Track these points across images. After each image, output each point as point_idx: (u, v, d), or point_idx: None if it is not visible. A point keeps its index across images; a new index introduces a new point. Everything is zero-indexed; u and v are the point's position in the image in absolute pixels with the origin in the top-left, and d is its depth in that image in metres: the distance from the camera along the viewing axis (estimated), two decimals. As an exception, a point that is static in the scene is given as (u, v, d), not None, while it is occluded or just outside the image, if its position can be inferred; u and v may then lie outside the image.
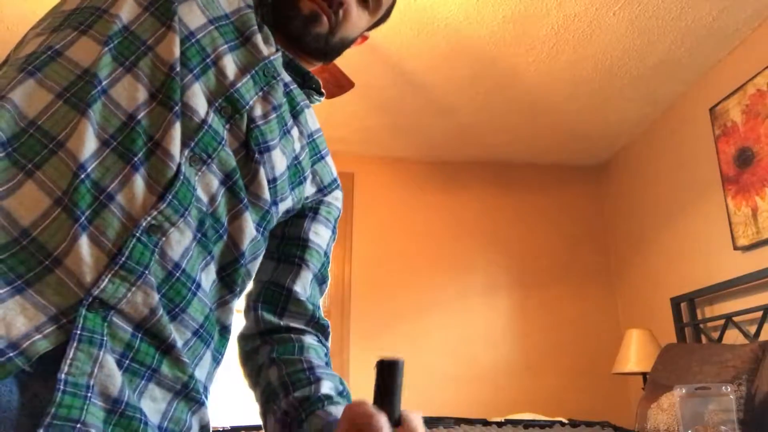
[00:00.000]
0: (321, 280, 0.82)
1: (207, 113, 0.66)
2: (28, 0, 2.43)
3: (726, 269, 2.75)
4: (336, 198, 0.86)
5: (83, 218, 0.55)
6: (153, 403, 0.59)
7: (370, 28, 0.92)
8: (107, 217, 0.56)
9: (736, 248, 2.66)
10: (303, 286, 0.79)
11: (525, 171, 3.97)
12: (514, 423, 2.44)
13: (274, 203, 0.74)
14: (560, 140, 3.67)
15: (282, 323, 0.78)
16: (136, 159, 0.59)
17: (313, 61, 0.87)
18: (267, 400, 0.74)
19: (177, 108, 0.63)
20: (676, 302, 3.02)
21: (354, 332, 3.45)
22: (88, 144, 0.58)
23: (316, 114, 3.69)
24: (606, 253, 3.88)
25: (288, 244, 0.81)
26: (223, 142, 0.67)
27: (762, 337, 2.44)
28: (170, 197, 0.60)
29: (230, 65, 0.70)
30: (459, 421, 2.44)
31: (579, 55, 2.80)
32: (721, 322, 2.73)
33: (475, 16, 2.52)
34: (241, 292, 0.73)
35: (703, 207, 2.95)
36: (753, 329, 2.51)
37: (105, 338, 0.55)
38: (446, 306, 3.58)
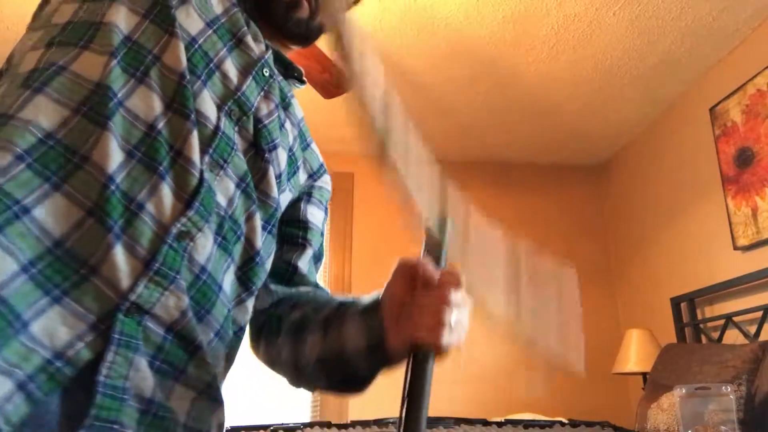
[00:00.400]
0: (318, 257, 0.88)
1: (218, 118, 0.68)
2: (28, 0, 2.43)
3: (726, 269, 2.75)
4: (325, 182, 0.91)
5: (116, 227, 0.57)
6: (179, 402, 0.61)
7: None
8: (139, 225, 0.58)
9: (736, 248, 2.66)
10: (305, 263, 0.85)
11: (525, 171, 3.97)
12: (514, 423, 2.44)
13: (279, 198, 0.77)
14: (560, 140, 3.67)
15: (293, 290, 0.84)
16: (161, 168, 0.61)
17: (294, 45, 0.88)
18: (296, 330, 0.78)
19: (192, 116, 0.64)
20: (676, 302, 3.02)
21: (354, 332, 3.45)
22: (114, 156, 0.58)
23: (317, 114, 3.68)
24: (606, 253, 3.88)
25: (290, 226, 0.84)
26: (235, 147, 0.69)
27: (762, 337, 2.44)
28: (197, 204, 0.62)
29: (231, 68, 0.71)
30: (459, 421, 2.44)
31: (579, 55, 2.80)
32: (721, 322, 2.73)
33: (475, 16, 2.52)
34: (256, 290, 0.75)
35: (703, 207, 2.95)
36: (753, 329, 2.51)
37: (140, 342, 0.57)
38: (446, 306, 3.57)
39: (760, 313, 2.48)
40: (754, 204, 2.56)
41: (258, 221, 0.72)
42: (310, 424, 2.32)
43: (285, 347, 0.79)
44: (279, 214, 0.78)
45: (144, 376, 0.57)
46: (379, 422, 2.35)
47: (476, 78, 2.99)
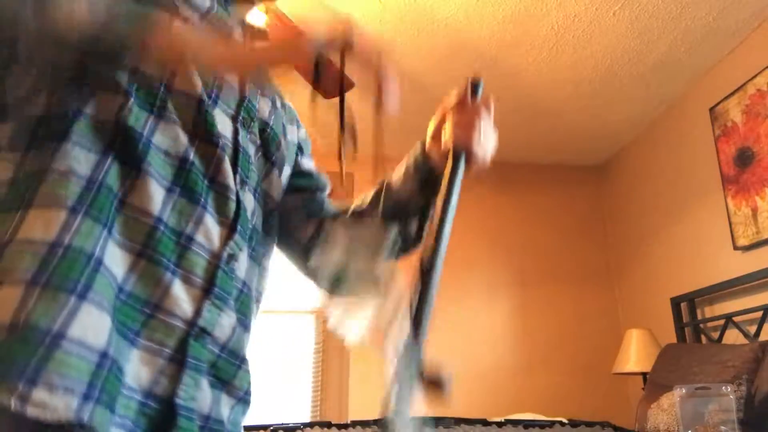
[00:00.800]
0: (325, 189, 0.97)
1: (235, 132, 0.68)
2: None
3: (726, 269, 2.75)
4: (304, 132, 0.94)
5: (171, 264, 0.58)
6: (224, 411, 0.65)
7: None
8: (192, 257, 0.60)
9: (736, 248, 2.66)
10: (324, 198, 0.95)
11: (525, 171, 3.96)
12: (514, 423, 2.44)
13: (278, 198, 0.80)
14: (560, 140, 3.67)
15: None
16: (202, 199, 0.62)
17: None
18: (352, 212, 0.91)
19: (220, 141, 0.65)
20: (676, 302, 3.02)
21: (354, 332, 3.44)
22: (156, 196, 0.59)
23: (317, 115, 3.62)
24: (606, 253, 3.88)
25: (300, 178, 0.89)
26: (250, 159, 0.71)
27: (762, 337, 2.44)
28: (239, 227, 0.65)
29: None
30: (459, 421, 2.45)
31: (579, 55, 2.80)
32: (721, 322, 2.73)
33: (475, 16, 2.52)
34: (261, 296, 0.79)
35: (703, 207, 2.95)
36: (753, 329, 2.51)
37: (204, 363, 0.60)
38: (446, 306, 3.58)
39: (760, 313, 2.48)
40: (754, 204, 2.56)
41: (267, 224, 0.76)
42: (310, 424, 2.32)
43: (347, 224, 0.88)
44: (275, 212, 0.80)
45: (205, 395, 0.60)
46: (379, 422, 2.35)
47: (476, 78, 2.99)
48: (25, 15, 0.53)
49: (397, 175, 0.87)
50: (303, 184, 0.89)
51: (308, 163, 0.92)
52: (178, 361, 0.57)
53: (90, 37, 0.54)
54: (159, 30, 0.56)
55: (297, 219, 0.87)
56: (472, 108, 0.85)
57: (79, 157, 0.56)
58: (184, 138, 0.62)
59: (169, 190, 0.60)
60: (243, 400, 0.68)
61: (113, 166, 0.57)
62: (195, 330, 0.59)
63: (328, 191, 0.96)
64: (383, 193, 0.87)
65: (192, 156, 0.62)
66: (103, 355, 0.51)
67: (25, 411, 0.46)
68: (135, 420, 0.54)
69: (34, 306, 0.49)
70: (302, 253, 0.86)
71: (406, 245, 0.86)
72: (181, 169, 0.61)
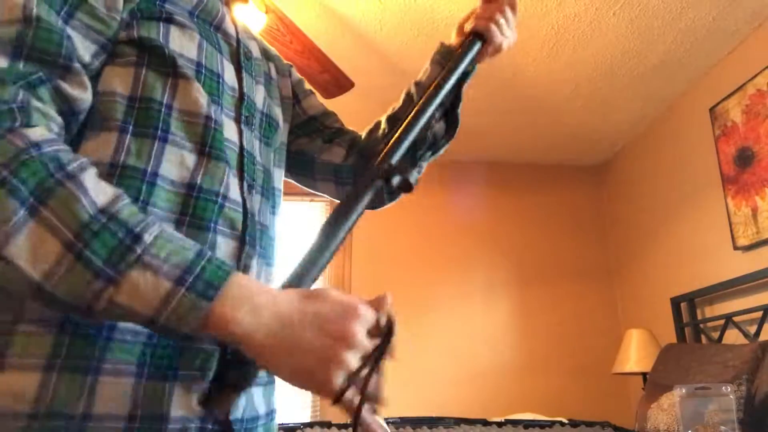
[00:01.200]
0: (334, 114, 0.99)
1: (240, 134, 0.68)
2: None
3: (726, 269, 2.75)
4: (296, 73, 0.94)
5: None
6: (257, 399, 0.66)
7: None
8: None
9: (736, 248, 2.66)
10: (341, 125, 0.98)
11: (525, 171, 3.97)
12: (514, 423, 2.44)
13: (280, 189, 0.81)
14: (560, 140, 3.67)
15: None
16: (212, 224, 0.61)
17: None
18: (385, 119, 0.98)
19: (226, 154, 0.64)
20: (676, 302, 3.02)
21: (354, 332, 3.44)
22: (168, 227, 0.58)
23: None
24: (606, 253, 3.88)
25: (310, 125, 0.93)
26: (256, 160, 0.70)
27: (762, 337, 2.44)
28: (248, 237, 0.65)
29: (228, 70, 0.69)
30: (459, 421, 2.44)
31: (579, 55, 2.80)
32: (721, 322, 2.73)
33: (475, 16, 2.52)
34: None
35: (703, 207, 2.95)
36: (753, 329, 2.51)
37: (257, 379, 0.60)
38: (446, 306, 3.58)
39: (760, 313, 2.48)
40: (754, 204, 2.56)
41: (275, 221, 0.75)
42: (310, 424, 2.32)
43: (378, 129, 0.94)
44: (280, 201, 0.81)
45: (245, 401, 0.63)
46: (379, 422, 2.34)
47: (476, 78, 2.98)
48: None
49: (421, 73, 0.94)
50: (312, 127, 0.93)
51: (308, 105, 0.93)
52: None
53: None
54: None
55: (323, 151, 0.92)
56: (496, 3, 0.94)
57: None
58: (192, 160, 0.60)
59: (179, 222, 0.59)
60: (270, 382, 0.70)
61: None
62: (229, 349, 0.59)
63: (336, 119, 0.99)
64: (413, 95, 0.94)
65: (199, 179, 0.60)
66: (131, 418, 0.52)
67: None
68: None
69: (56, 388, 0.49)
70: (345, 174, 0.93)
71: (435, 139, 0.92)
72: (188, 197, 0.59)
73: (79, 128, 0.57)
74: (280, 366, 0.49)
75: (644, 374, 2.92)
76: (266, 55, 0.85)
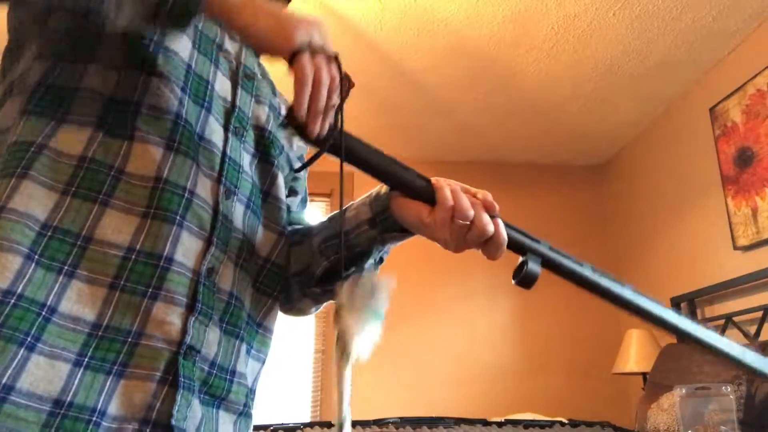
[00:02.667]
0: (304, 201, 0.93)
1: (225, 141, 0.68)
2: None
3: (726, 269, 2.75)
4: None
5: (150, 290, 0.58)
6: (224, 428, 0.64)
7: None
8: (174, 278, 0.59)
9: (736, 248, 2.66)
10: (295, 206, 0.89)
11: (525, 171, 3.97)
12: (514, 423, 2.44)
13: (286, 200, 0.79)
14: (560, 140, 3.67)
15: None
16: (178, 217, 0.61)
17: None
18: (304, 234, 0.82)
19: (197, 150, 0.64)
20: (676, 302, 3.02)
21: (354, 332, 3.44)
22: (123, 227, 0.58)
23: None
24: (606, 253, 3.88)
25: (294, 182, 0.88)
26: (241, 169, 0.70)
27: (762, 337, 2.44)
28: (215, 239, 0.64)
29: (223, 83, 0.71)
30: (459, 421, 2.45)
31: (579, 55, 2.80)
32: (721, 322, 2.73)
33: (475, 16, 2.52)
34: (281, 292, 0.77)
35: (703, 207, 2.95)
36: (753, 329, 2.51)
37: (194, 381, 0.59)
38: (446, 306, 3.58)
39: (760, 313, 2.48)
40: (754, 204, 2.56)
41: (263, 233, 0.74)
42: (310, 424, 2.32)
43: (294, 249, 0.80)
44: (286, 215, 0.79)
45: (195, 415, 0.59)
46: (379, 422, 2.35)
47: (476, 78, 2.99)
48: None
49: (352, 209, 0.78)
50: (294, 186, 0.89)
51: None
52: (171, 382, 0.57)
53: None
54: None
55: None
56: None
57: (38, 198, 0.56)
58: (159, 154, 0.61)
59: (144, 215, 0.59)
60: (244, 413, 0.68)
61: (73, 205, 0.57)
62: (183, 348, 0.58)
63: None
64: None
65: (166, 173, 0.61)
66: (56, 402, 0.51)
67: None
68: None
69: None
70: None
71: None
72: (155, 189, 0.60)
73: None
74: (248, 24, 0.57)
75: (644, 374, 2.92)
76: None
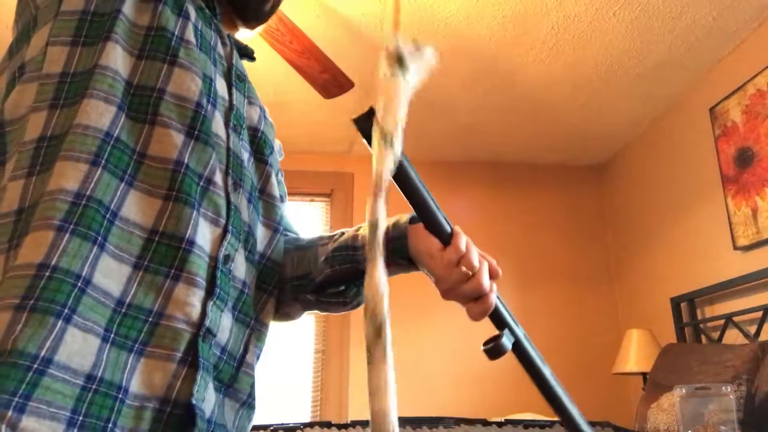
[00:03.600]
0: (283, 199, 0.90)
1: (228, 137, 0.70)
2: None
3: (726, 269, 2.75)
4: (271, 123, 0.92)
5: (172, 271, 0.59)
6: (228, 416, 0.65)
7: None
8: (195, 260, 0.60)
9: (736, 248, 2.66)
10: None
11: (525, 171, 3.97)
12: (514, 423, 2.44)
13: (279, 196, 0.81)
14: (560, 140, 3.67)
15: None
16: (195, 201, 0.62)
17: (245, 28, 0.89)
18: (306, 244, 0.84)
19: (213, 141, 0.66)
20: (676, 302, 3.02)
21: (354, 333, 3.45)
22: (146, 208, 0.59)
23: (317, 114, 3.66)
24: (606, 253, 3.88)
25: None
26: (242, 162, 0.72)
27: (762, 337, 2.44)
28: (231, 227, 0.66)
29: (219, 81, 0.72)
30: (459, 421, 2.45)
31: (579, 55, 2.80)
32: (721, 322, 2.73)
33: (475, 16, 2.52)
34: (275, 288, 0.78)
35: (703, 207, 2.95)
36: (753, 329, 2.51)
37: (211, 364, 0.61)
38: (446, 306, 3.55)
39: (760, 313, 2.48)
40: (754, 204, 2.56)
41: (262, 227, 0.76)
42: (310, 424, 2.32)
43: (295, 254, 0.82)
44: (280, 213, 0.80)
45: (211, 396, 0.60)
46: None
47: (476, 78, 2.99)
48: None
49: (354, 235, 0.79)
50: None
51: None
52: (190, 363, 0.58)
53: None
54: None
55: None
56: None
57: (68, 174, 0.56)
58: (179, 140, 0.63)
59: (166, 198, 0.60)
60: (247, 404, 0.68)
61: (103, 179, 0.57)
62: (203, 331, 0.59)
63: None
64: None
65: (186, 158, 0.62)
66: (89, 377, 0.51)
67: None
68: (152, 428, 0.54)
69: (22, 330, 0.49)
70: None
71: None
72: (175, 172, 0.61)
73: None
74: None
75: (644, 374, 2.92)
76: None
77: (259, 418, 2.69)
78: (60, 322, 0.51)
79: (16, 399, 0.47)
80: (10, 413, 0.46)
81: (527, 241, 3.80)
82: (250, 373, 0.69)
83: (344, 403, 3.33)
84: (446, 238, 0.69)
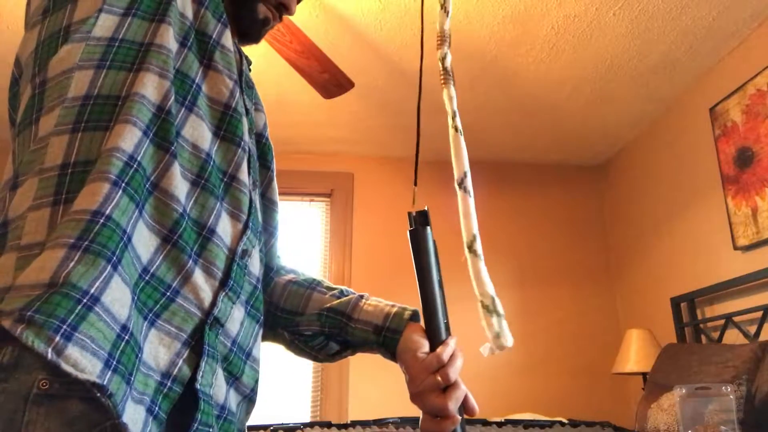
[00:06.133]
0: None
1: (248, 141, 0.73)
2: (28, 0, 2.43)
3: (726, 269, 2.75)
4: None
5: (192, 252, 0.60)
6: (234, 406, 0.66)
7: None
8: (213, 249, 0.62)
9: (736, 248, 2.66)
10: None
11: (525, 171, 3.97)
12: (514, 423, 2.44)
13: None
14: (560, 140, 3.67)
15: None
16: (219, 193, 0.65)
17: (239, 42, 0.92)
18: (305, 284, 0.85)
19: (242, 142, 0.69)
20: (676, 302, 3.02)
21: (354, 332, 3.45)
22: (181, 186, 0.61)
23: (317, 114, 3.66)
24: (606, 253, 3.88)
25: None
26: (257, 165, 0.75)
27: (762, 337, 2.44)
28: (251, 224, 0.68)
29: (237, 90, 0.75)
30: (459, 421, 2.44)
31: (579, 55, 2.80)
32: (721, 322, 2.73)
33: (475, 16, 2.52)
34: (265, 285, 0.82)
35: (703, 207, 2.95)
36: (753, 329, 2.51)
37: (218, 353, 0.62)
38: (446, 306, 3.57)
39: (760, 313, 2.48)
40: (754, 204, 2.56)
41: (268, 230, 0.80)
42: (310, 424, 2.32)
43: (290, 285, 0.83)
44: (278, 217, 0.84)
45: (220, 384, 0.61)
46: (379, 422, 2.35)
47: (476, 78, 2.99)
48: None
49: (367, 306, 0.79)
50: None
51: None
52: (193, 347, 0.59)
53: None
54: None
55: None
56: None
57: (125, 135, 0.58)
58: (209, 135, 0.66)
59: (194, 183, 0.63)
60: (249, 397, 0.70)
61: (150, 149, 0.59)
62: (210, 319, 0.60)
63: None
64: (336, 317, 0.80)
65: (213, 152, 0.65)
66: (124, 328, 0.53)
67: (59, 364, 0.47)
68: (154, 398, 0.55)
69: (75, 266, 0.51)
70: None
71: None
72: (206, 162, 0.64)
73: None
74: None
75: (644, 374, 2.92)
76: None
77: (259, 418, 2.69)
78: (109, 267, 0.53)
79: (65, 327, 0.48)
80: (58, 338, 0.48)
81: (527, 240, 3.80)
82: (256, 368, 0.70)
83: (344, 403, 3.33)
84: (437, 340, 0.71)
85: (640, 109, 3.31)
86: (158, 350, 0.56)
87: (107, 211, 0.54)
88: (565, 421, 2.51)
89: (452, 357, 0.70)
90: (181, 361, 0.57)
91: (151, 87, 0.61)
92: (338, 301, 0.79)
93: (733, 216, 2.68)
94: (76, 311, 0.49)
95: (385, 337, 0.75)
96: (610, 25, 2.58)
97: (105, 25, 0.63)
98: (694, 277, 2.98)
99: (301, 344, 0.81)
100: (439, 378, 0.67)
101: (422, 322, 0.74)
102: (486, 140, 3.66)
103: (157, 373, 0.56)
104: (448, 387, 0.68)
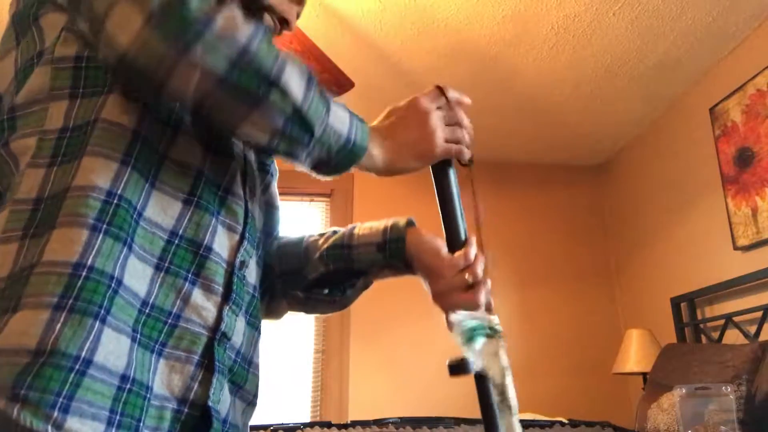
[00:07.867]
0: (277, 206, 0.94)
1: (243, 148, 0.72)
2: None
3: (726, 269, 2.75)
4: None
5: (189, 275, 0.59)
6: (238, 416, 0.67)
7: None
8: (212, 266, 0.61)
9: (736, 248, 2.66)
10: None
11: (525, 171, 3.96)
12: (514, 423, 2.43)
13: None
14: (560, 140, 3.67)
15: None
16: (214, 209, 0.63)
17: None
18: (300, 240, 0.86)
19: (234, 153, 0.68)
20: (676, 302, 3.02)
21: (354, 332, 3.44)
22: (170, 209, 0.59)
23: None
24: (606, 253, 3.88)
25: None
26: (254, 171, 0.74)
27: (762, 337, 2.44)
28: (247, 234, 0.67)
29: None
30: (459, 421, 2.45)
31: (579, 55, 2.80)
32: (721, 322, 2.73)
33: (475, 16, 2.52)
34: (266, 291, 0.81)
35: (703, 207, 2.95)
36: (753, 329, 2.51)
37: (225, 367, 0.62)
38: (446, 306, 3.57)
39: (760, 313, 2.48)
40: (754, 204, 2.56)
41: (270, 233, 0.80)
42: (310, 424, 2.32)
43: (280, 251, 0.84)
44: (278, 219, 0.84)
45: (226, 398, 0.61)
46: (379, 422, 2.35)
47: (476, 78, 2.99)
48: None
49: (363, 230, 0.81)
50: None
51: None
52: (206, 366, 0.59)
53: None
54: None
55: None
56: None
57: (99, 170, 0.55)
58: (199, 150, 0.64)
59: (186, 202, 0.61)
60: (251, 403, 0.70)
61: (132, 178, 0.57)
62: (218, 335, 0.60)
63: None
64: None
65: (206, 168, 0.64)
66: (123, 377, 0.52)
67: None
68: (171, 428, 0.55)
69: (62, 330, 0.50)
70: None
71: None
72: (197, 179, 0.62)
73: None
74: (401, 151, 0.75)
75: (644, 374, 2.92)
76: None
77: (259, 418, 2.69)
78: (97, 324, 0.51)
79: (61, 399, 0.48)
80: (56, 414, 0.47)
81: (527, 240, 3.79)
82: (257, 373, 0.70)
83: (344, 403, 3.33)
84: (460, 242, 0.71)
85: (640, 109, 3.31)
86: (171, 378, 0.56)
87: (89, 262, 0.52)
88: (565, 421, 2.51)
89: (477, 257, 0.72)
90: (195, 385, 0.57)
91: (122, 112, 0.58)
92: (332, 238, 0.80)
93: (733, 216, 2.68)
94: (70, 380, 0.48)
95: (389, 249, 0.75)
96: (610, 25, 2.58)
97: (69, 44, 0.60)
98: (694, 277, 2.98)
99: (315, 295, 0.82)
100: (467, 276, 0.69)
101: (442, 228, 0.75)
102: (486, 140, 3.66)
103: (173, 401, 0.56)
104: (474, 284, 0.70)
